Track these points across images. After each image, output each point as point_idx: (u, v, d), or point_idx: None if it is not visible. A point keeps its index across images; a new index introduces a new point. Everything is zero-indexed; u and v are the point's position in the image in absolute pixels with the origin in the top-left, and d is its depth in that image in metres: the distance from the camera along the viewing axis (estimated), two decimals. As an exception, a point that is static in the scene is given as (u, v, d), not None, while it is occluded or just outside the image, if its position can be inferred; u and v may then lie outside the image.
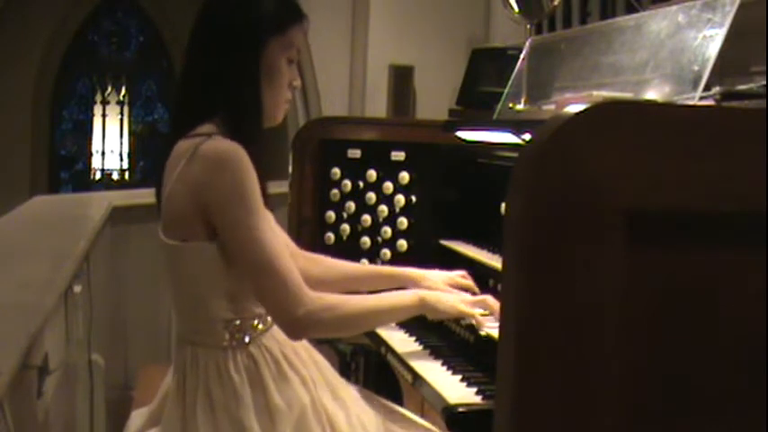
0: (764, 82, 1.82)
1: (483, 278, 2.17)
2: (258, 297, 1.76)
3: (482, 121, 2.55)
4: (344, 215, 2.67)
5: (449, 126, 2.52)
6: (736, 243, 1.19)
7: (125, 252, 4.23)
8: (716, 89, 1.75)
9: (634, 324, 1.17)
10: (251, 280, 1.73)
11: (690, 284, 1.19)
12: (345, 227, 2.66)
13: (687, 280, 1.19)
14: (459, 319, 2.05)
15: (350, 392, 1.94)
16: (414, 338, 2.14)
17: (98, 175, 11.29)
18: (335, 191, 2.68)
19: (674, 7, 1.90)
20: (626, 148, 1.15)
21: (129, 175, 11.31)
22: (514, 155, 2.12)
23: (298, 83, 1.89)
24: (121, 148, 11.32)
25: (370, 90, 4.89)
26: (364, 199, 2.63)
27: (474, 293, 2.06)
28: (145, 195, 4.03)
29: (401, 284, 2.09)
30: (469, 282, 2.11)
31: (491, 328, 1.90)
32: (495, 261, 2.16)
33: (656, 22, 1.96)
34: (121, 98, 11.31)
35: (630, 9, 2.81)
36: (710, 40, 1.74)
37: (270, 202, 1.79)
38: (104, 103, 11.30)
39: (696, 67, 1.75)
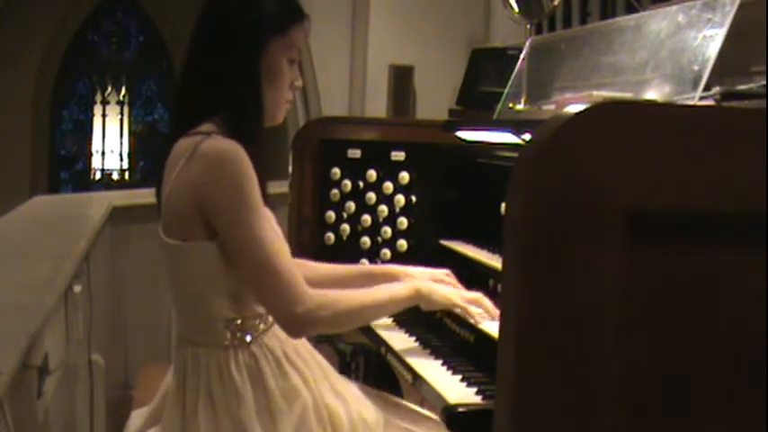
0: (764, 82, 1.82)
1: (483, 278, 2.17)
2: (257, 295, 1.76)
3: (482, 121, 2.55)
4: (344, 215, 2.66)
5: (449, 126, 2.52)
6: (736, 243, 1.19)
7: (125, 252, 4.23)
8: (716, 89, 1.75)
9: (634, 324, 1.17)
10: (250, 278, 1.73)
11: (690, 284, 1.19)
12: (345, 227, 2.66)
13: (687, 280, 1.19)
14: (457, 318, 2.06)
15: (350, 389, 1.94)
16: (414, 338, 2.14)
17: (98, 175, 11.30)
18: (335, 191, 2.68)
19: (674, 7, 1.90)
20: (626, 148, 1.15)
21: (129, 175, 11.32)
22: (514, 155, 2.12)
23: (299, 83, 1.89)
24: (121, 148, 11.33)
25: (370, 90, 4.89)
26: (364, 199, 2.63)
27: None
28: (145, 195, 4.03)
29: (386, 282, 2.09)
30: (453, 281, 2.12)
31: (484, 319, 1.94)
32: (495, 261, 2.16)
33: (656, 22, 1.96)
34: (121, 98, 11.32)
35: (630, 9, 2.81)
36: (710, 40, 1.74)
37: (270, 201, 1.79)
38: (104, 103, 11.31)
39: (696, 67, 1.75)
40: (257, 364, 1.78)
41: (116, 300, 4.13)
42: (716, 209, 1.19)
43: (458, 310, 2.02)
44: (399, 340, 2.14)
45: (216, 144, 1.71)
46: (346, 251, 2.61)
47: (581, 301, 1.14)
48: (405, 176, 2.60)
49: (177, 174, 1.73)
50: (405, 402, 2.13)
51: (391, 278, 2.09)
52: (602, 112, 1.16)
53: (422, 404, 2.11)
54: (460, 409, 1.67)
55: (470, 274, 2.19)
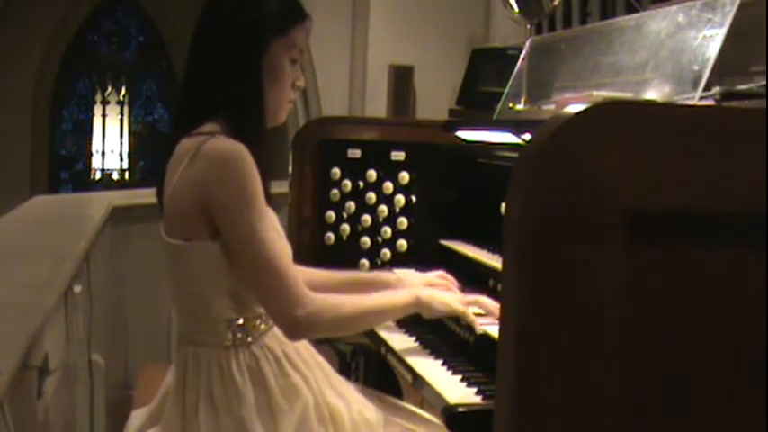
0: (764, 82, 1.82)
1: (483, 278, 2.17)
2: (258, 296, 1.76)
3: (482, 121, 2.55)
4: (344, 215, 2.67)
5: (449, 126, 2.52)
6: (736, 243, 1.19)
7: (125, 252, 4.23)
8: (716, 89, 1.75)
9: (634, 324, 1.17)
10: (251, 278, 1.73)
11: (690, 284, 1.19)
12: (345, 227, 2.66)
13: (687, 280, 1.19)
14: (457, 318, 2.06)
15: (351, 389, 1.94)
16: (414, 338, 2.14)
17: (98, 175, 11.31)
18: (335, 191, 2.68)
19: (674, 7, 1.90)
20: (626, 148, 1.15)
21: (130, 175, 11.32)
22: (514, 155, 2.12)
23: (301, 83, 1.89)
24: (121, 148, 11.33)
25: (370, 90, 4.89)
26: (364, 199, 2.64)
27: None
28: (145, 195, 4.03)
29: (380, 289, 2.08)
30: (446, 281, 2.11)
31: (485, 324, 1.92)
32: (495, 261, 2.16)
33: (656, 22, 1.96)
34: (121, 98, 11.32)
35: (630, 9, 2.81)
36: (710, 40, 1.74)
37: (272, 201, 1.79)
38: (104, 103, 11.31)
39: (696, 67, 1.75)
40: (258, 364, 1.78)
41: (116, 300, 4.13)
42: (716, 209, 1.19)
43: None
44: (399, 340, 2.14)
45: (219, 144, 1.71)
46: (346, 251, 2.62)
47: (581, 301, 1.14)
48: (405, 176, 2.60)
49: (181, 174, 1.73)
50: (403, 404, 2.13)
51: (383, 285, 2.08)
52: (602, 112, 1.16)
53: (422, 404, 2.11)
54: (460, 409, 1.67)
55: (470, 274, 2.19)
